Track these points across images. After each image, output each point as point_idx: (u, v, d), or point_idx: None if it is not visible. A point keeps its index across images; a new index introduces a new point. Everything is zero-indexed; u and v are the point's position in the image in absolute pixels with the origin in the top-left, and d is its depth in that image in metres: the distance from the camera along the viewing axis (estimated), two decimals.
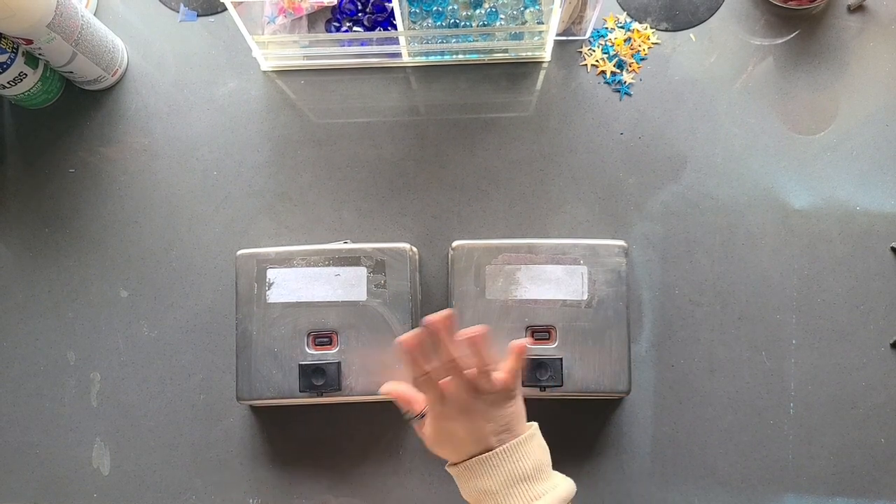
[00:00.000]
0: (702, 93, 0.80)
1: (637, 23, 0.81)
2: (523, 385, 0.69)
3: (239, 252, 0.72)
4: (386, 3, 0.80)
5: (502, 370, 0.59)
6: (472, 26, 0.79)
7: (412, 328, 0.71)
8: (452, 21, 0.79)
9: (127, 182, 0.81)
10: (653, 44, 0.81)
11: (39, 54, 0.73)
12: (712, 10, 0.81)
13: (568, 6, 0.77)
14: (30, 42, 0.70)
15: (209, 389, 0.77)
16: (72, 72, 0.77)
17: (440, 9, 0.79)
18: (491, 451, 0.57)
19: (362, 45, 0.79)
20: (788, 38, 0.81)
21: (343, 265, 0.71)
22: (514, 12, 0.79)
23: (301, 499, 0.75)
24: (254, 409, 0.76)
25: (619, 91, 0.80)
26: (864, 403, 0.74)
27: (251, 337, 0.71)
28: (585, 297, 0.70)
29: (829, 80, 0.80)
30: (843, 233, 0.77)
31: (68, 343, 0.79)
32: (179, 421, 0.77)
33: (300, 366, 0.70)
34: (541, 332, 0.70)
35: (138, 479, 0.76)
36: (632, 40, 0.81)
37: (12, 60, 0.72)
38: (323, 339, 0.71)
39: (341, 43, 0.79)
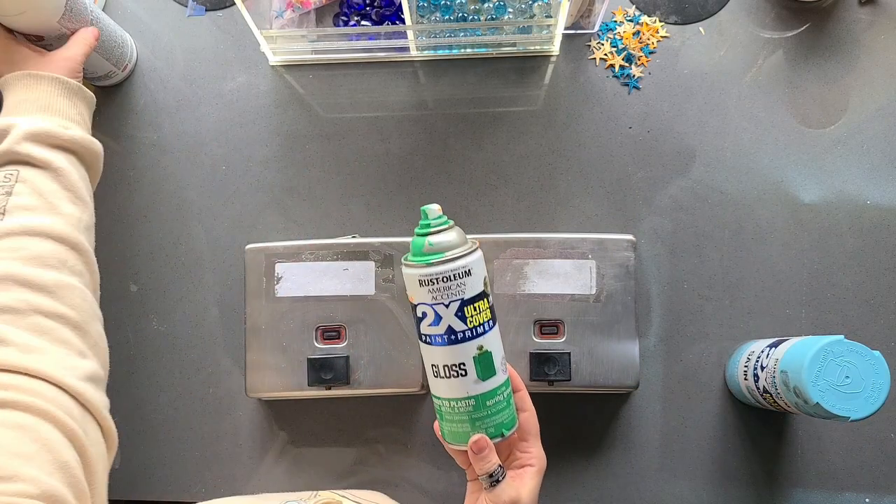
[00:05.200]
0: (711, 86, 0.79)
1: (646, 16, 0.81)
2: (532, 380, 0.69)
3: (247, 246, 0.73)
4: None
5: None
6: (480, 20, 0.79)
7: None
8: (460, 15, 0.79)
9: (136, 177, 0.81)
10: (662, 37, 0.80)
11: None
12: (722, 3, 0.81)
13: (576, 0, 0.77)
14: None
15: (218, 383, 0.77)
16: (83, 68, 0.77)
17: (448, 2, 0.79)
18: None
19: (370, 39, 0.79)
20: (799, 31, 0.80)
21: (351, 259, 0.71)
22: (523, 6, 0.79)
23: (309, 492, 0.75)
24: (262, 402, 0.77)
25: (627, 85, 0.80)
26: None
27: (260, 331, 0.71)
28: (594, 291, 0.70)
29: (840, 74, 0.79)
30: (853, 227, 0.76)
31: None
32: (188, 415, 0.77)
33: (309, 360, 0.70)
34: (549, 327, 0.70)
35: (148, 472, 0.76)
36: (640, 33, 0.80)
37: None
38: (331, 333, 0.71)
39: (349, 37, 0.79)
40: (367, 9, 0.80)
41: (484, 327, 0.54)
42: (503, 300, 0.70)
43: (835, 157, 0.78)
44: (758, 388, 0.67)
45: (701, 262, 0.76)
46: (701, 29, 0.81)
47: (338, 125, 0.81)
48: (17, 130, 0.58)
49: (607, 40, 0.80)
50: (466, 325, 0.53)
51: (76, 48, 0.68)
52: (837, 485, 0.73)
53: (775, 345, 0.66)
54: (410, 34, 0.77)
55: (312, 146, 0.80)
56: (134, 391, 0.78)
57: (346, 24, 0.81)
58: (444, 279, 0.52)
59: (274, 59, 0.81)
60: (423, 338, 0.55)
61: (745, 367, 0.70)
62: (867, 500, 0.73)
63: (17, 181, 0.56)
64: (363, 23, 0.81)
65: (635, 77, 0.80)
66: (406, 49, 0.79)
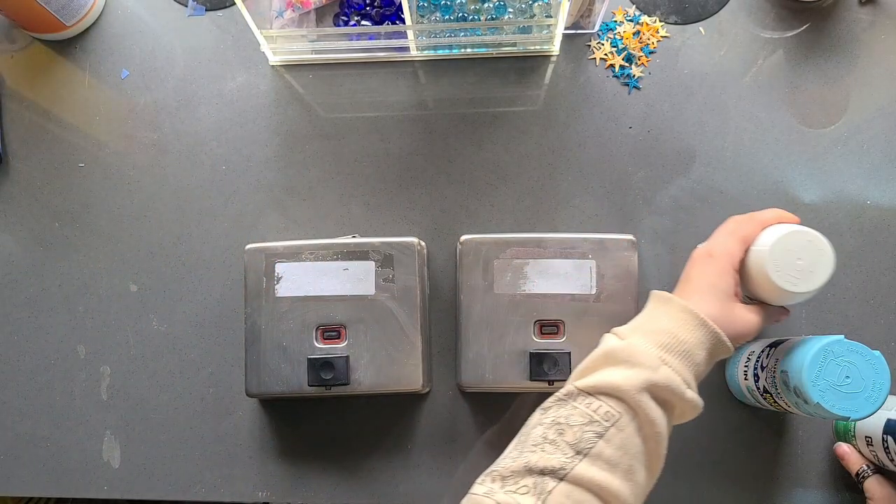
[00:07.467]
0: (711, 86, 0.79)
1: (646, 16, 0.81)
2: (532, 380, 0.69)
3: (247, 246, 0.72)
4: None
5: None
6: (480, 20, 0.79)
7: (420, 322, 0.71)
8: (460, 14, 0.79)
9: (136, 177, 0.81)
10: (662, 37, 0.80)
11: None
12: (722, 3, 0.81)
13: None
14: None
15: (218, 383, 0.77)
16: None
17: (448, 2, 0.79)
18: None
19: (370, 38, 0.79)
20: (799, 30, 0.80)
21: (351, 259, 0.71)
22: (523, 5, 0.79)
23: (309, 493, 0.75)
24: (263, 403, 0.77)
25: (627, 85, 0.80)
26: None
27: (260, 331, 0.71)
28: (594, 291, 0.70)
29: (840, 74, 0.79)
30: (854, 227, 0.76)
31: (78, 337, 0.79)
32: (189, 415, 0.77)
33: (309, 360, 0.70)
34: (549, 327, 0.70)
35: (148, 472, 0.76)
36: (641, 33, 0.80)
37: None
38: (331, 333, 0.71)
39: (349, 37, 0.79)
40: (367, 9, 0.80)
41: None
42: (503, 300, 0.70)
43: (835, 157, 0.78)
44: (758, 388, 0.67)
45: None
46: (701, 29, 0.81)
47: (338, 125, 0.81)
48: (641, 375, 0.52)
49: (607, 40, 0.80)
50: None
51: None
52: (837, 485, 0.73)
53: (775, 345, 0.66)
54: (410, 34, 0.77)
55: (312, 146, 0.80)
56: (134, 391, 0.78)
57: (346, 24, 0.81)
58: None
59: (274, 59, 0.81)
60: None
61: (745, 367, 0.70)
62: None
63: (613, 426, 0.50)
64: (363, 23, 0.81)
65: (635, 77, 0.80)
66: (406, 49, 0.80)
